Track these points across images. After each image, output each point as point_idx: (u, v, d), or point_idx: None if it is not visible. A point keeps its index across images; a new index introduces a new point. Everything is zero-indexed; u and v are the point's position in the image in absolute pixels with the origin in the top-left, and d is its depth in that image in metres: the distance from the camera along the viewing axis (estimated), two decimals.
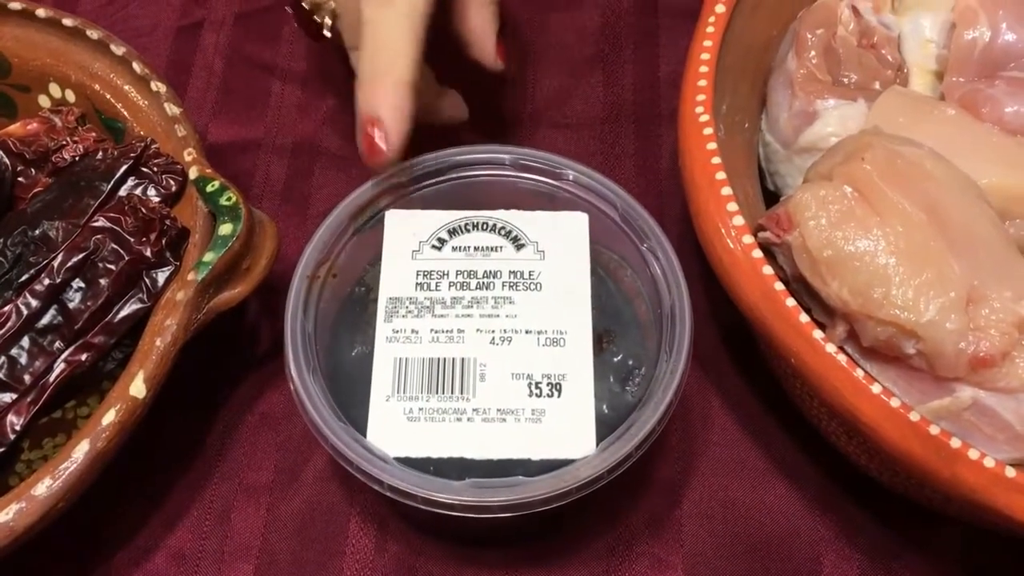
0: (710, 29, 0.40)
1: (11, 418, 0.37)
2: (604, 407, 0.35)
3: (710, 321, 0.45)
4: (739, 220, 0.35)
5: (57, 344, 0.38)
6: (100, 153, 0.41)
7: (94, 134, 0.43)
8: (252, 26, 0.54)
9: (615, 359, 0.37)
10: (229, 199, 0.38)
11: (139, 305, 0.39)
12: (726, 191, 0.36)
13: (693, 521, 0.41)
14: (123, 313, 0.39)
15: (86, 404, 0.40)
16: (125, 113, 0.43)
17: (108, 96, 0.43)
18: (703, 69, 0.39)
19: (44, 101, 0.46)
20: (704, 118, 0.37)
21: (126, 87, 0.43)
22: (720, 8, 0.40)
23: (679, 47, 0.54)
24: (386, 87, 0.37)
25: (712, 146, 0.37)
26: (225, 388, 0.44)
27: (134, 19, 0.55)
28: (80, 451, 0.34)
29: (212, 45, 0.54)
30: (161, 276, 0.39)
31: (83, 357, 0.38)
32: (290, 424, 0.44)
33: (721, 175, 0.36)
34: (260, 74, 0.53)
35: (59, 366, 0.38)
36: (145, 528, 0.41)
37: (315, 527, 0.41)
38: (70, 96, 0.45)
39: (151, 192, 0.40)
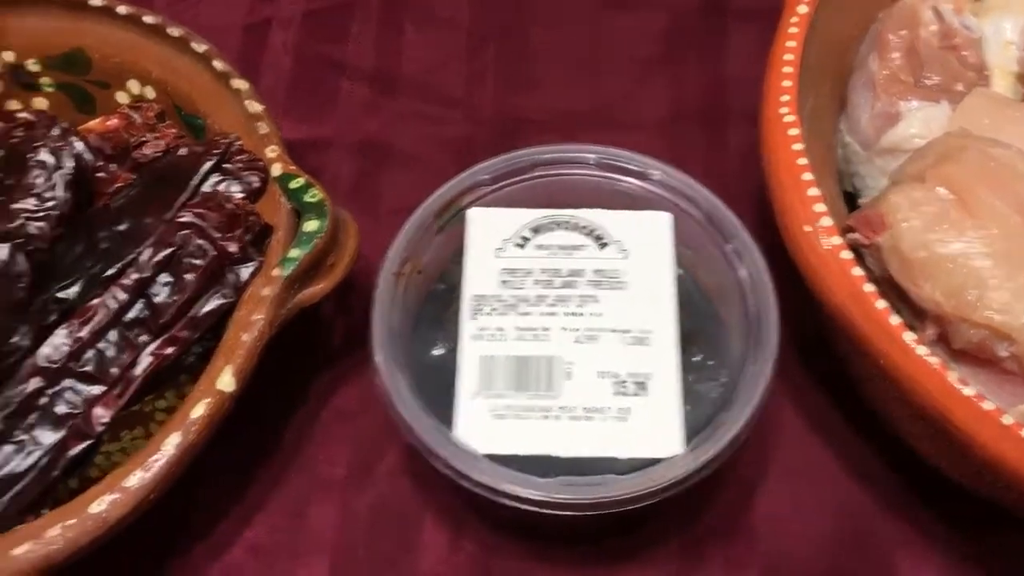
0: (793, 29, 0.39)
1: (98, 411, 0.37)
2: (688, 407, 0.35)
3: (780, 321, 0.45)
4: (827, 221, 0.35)
5: (142, 338, 0.38)
6: (184, 149, 0.42)
7: (174, 130, 0.44)
8: (319, 24, 0.55)
9: (699, 359, 0.37)
10: (314, 196, 0.39)
11: (222, 300, 0.39)
12: (813, 191, 0.36)
13: (766, 522, 0.41)
14: (207, 308, 0.39)
15: (163, 397, 0.41)
16: (205, 110, 0.43)
17: (189, 93, 0.44)
18: (787, 69, 0.39)
19: (122, 97, 0.46)
20: (789, 118, 0.37)
21: (207, 84, 0.43)
22: (803, 8, 0.40)
23: (745, 48, 0.54)
24: None
25: (798, 147, 0.37)
26: (300, 383, 0.45)
27: (203, 17, 0.55)
28: (171, 443, 0.35)
29: (280, 43, 0.54)
30: (245, 272, 0.39)
31: (170, 351, 0.38)
32: (364, 420, 0.44)
33: (808, 175, 0.36)
34: (328, 72, 0.53)
35: (145, 359, 0.38)
36: (223, 521, 0.42)
37: (390, 522, 0.41)
38: (149, 92, 0.45)
39: (234, 188, 0.41)
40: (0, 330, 0.37)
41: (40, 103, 0.47)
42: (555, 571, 0.41)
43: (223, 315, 0.39)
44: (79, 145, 0.42)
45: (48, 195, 0.39)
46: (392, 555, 0.41)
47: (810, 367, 0.44)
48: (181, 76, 0.44)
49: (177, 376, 0.41)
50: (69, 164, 0.40)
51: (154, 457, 0.35)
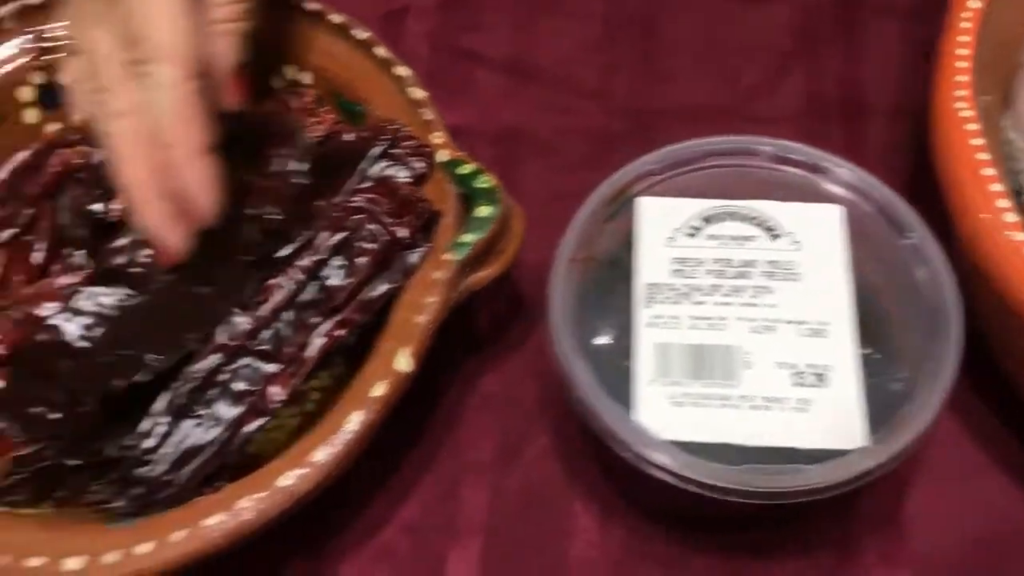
0: (965, 24, 0.39)
1: (273, 389, 0.38)
2: (866, 399, 0.35)
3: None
4: (1011, 216, 0.35)
5: (314, 319, 0.39)
6: (351, 135, 0.42)
7: (333, 116, 0.45)
8: (454, 13, 0.55)
9: (869, 352, 0.37)
10: (486, 182, 0.39)
11: (391, 285, 0.39)
12: (996, 187, 0.36)
13: (920, 521, 0.41)
14: (377, 292, 0.39)
15: (317, 377, 0.41)
16: (365, 96, 0.44)
17: (349, 79, 0.44)
18: (961, 64, 0.38)
19: (276, 83, 0.47)
20: (967, 113, 0.37)
21: (367, 71, 0.44)
22: (975, 3, 0.40)
23: (882, 42, 0.54)
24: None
25: (978, 141, 0.37)
26: (446, 368, 0.45)
27: (341, 4, 0.56)
28: (355, 421, 0.36)
29: (417, 32, 0.55)
30: (413, 257, 0.40)
31: (341, 333, 0.39)
32: (510, 404, 0.44)
33: (990, 171, 0.36)
34: (464, 61, 0.54)
35: (318, 340, 0.39)
36: (377, 502, 0.42)
37: (539, 506, 0.42)
38: (305, 78, 0.46)
39: (401, 174, 0.41)
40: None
41: None
42: (706, 559, 0.41)
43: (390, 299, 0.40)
44: None
45: (289, 168, 0.41)
46: (543, 538, 0.41)
47: (966, 366, 0.44)
48: (340, 63, 0.44)
49: (334, 357, 0.41)
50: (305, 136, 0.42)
51: (338, 434, 0.35)
